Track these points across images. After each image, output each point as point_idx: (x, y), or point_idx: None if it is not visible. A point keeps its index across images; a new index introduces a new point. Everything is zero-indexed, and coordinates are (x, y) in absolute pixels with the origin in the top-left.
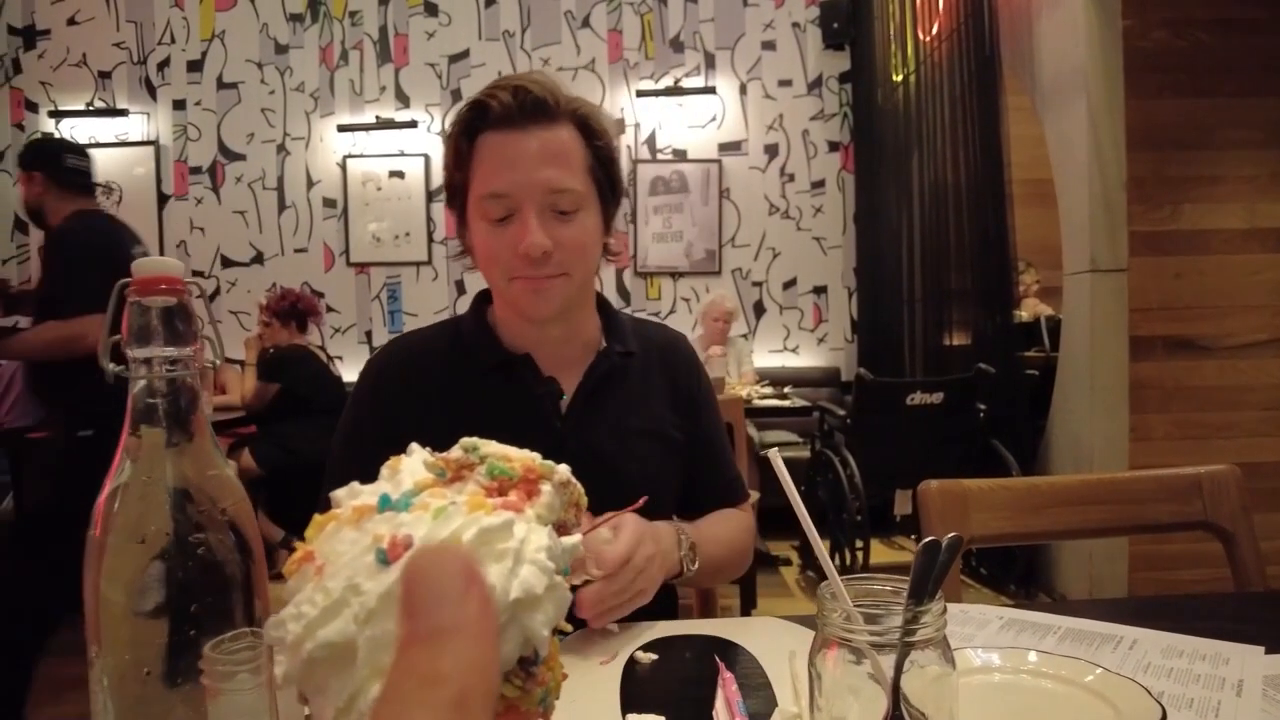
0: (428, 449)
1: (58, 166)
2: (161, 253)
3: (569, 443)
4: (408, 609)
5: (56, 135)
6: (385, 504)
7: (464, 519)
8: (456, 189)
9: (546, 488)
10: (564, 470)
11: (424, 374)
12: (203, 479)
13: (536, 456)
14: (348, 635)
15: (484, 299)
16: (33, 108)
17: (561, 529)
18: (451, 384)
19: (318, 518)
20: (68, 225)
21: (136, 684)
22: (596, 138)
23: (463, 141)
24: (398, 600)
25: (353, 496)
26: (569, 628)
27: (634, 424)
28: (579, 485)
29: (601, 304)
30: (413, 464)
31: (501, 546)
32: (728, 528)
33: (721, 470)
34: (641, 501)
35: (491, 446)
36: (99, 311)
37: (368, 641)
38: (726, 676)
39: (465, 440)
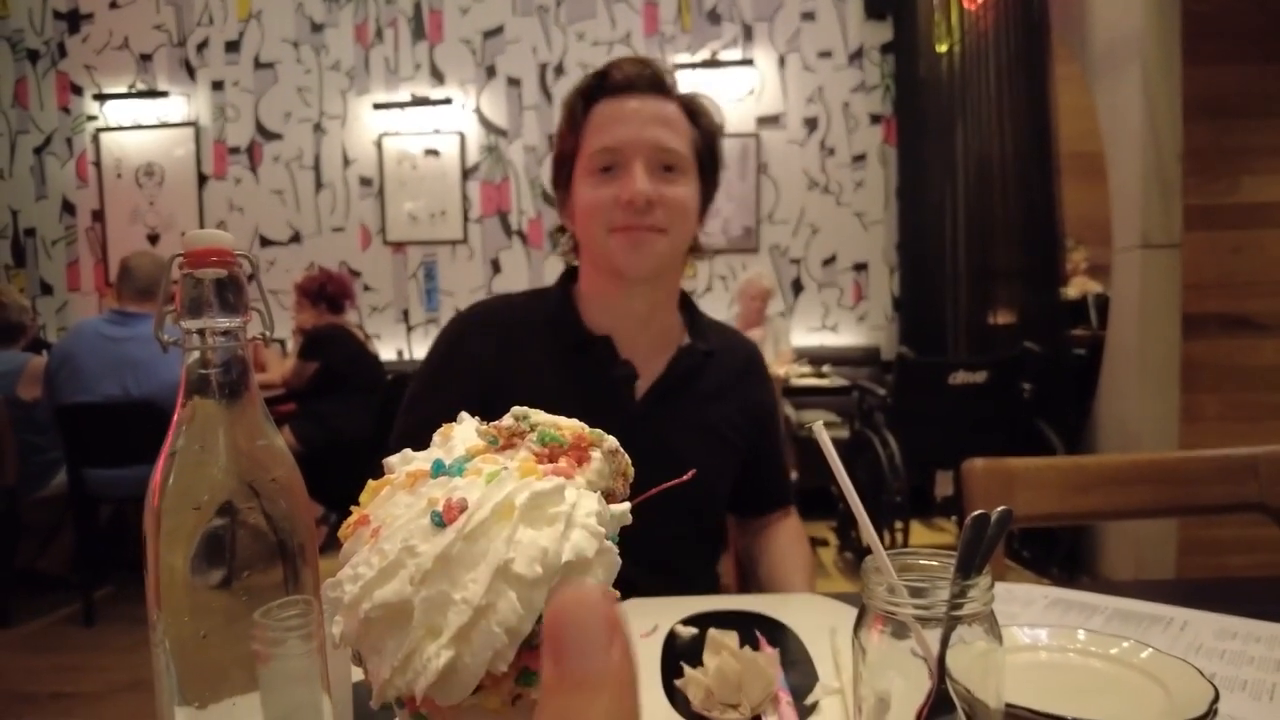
0: (477, 418)
1: None
2: None
3: (640, 429)
4: (555, 654)
5: (100, 119)
6: (439, 469)
7: (516, 483)
8: (565, 157)
9: (596, 455)
10: (612, 440)
11: (507, 336)
12: (254, 448)
13: (585, 425)
14: (404, 596)
15: (567, 280)
16: (78, 91)
17: (609, 497)
18: (533, 355)
19: (372, 483)
20: None
21: (194, 647)
22: (701, 117)
23: (579, 106)
24: (543, 638)
25: (406, 462)
26: (617, 594)
27: (704, 420)
28: (626, 455)
29: (685, 301)
30: (464, 431)
31: (553, 510)
32: (805, 562)
33: (779, 478)
34: (690, 475)
35: (541, 415)
36: None
37: (423, 602)
38: (768, 652)
39: (516, 409)
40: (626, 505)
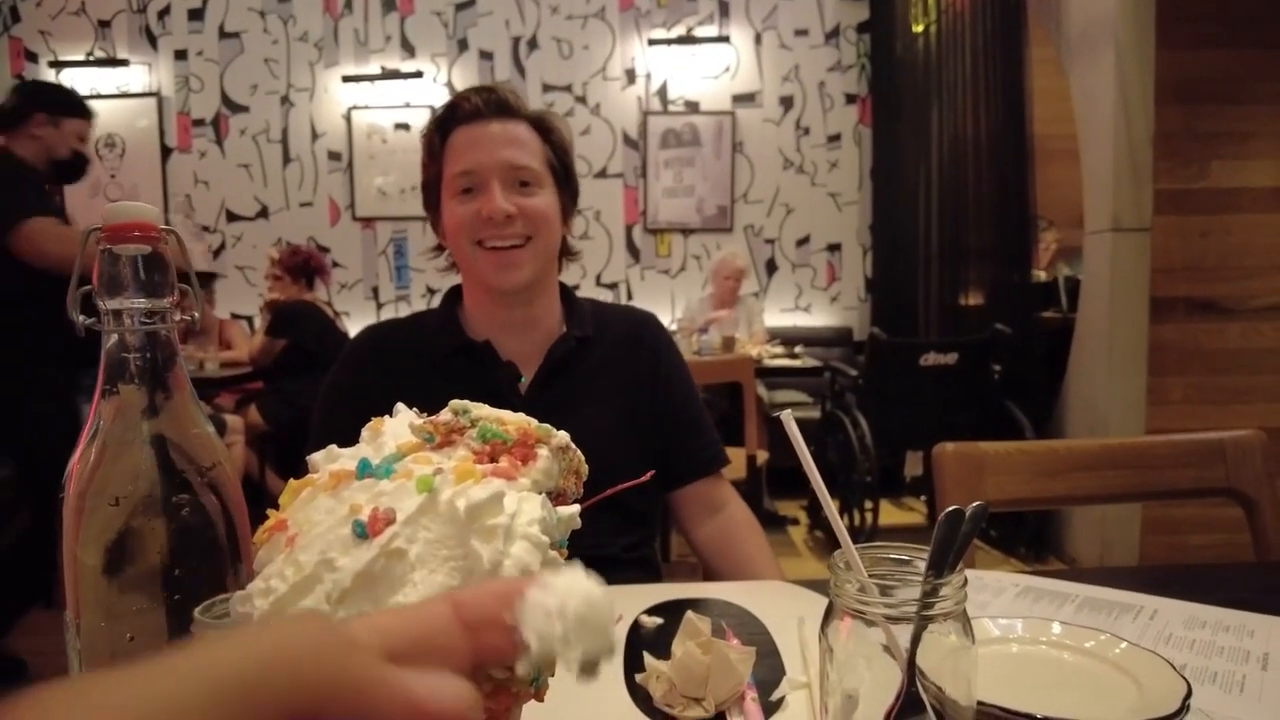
0: (414, 409)
1: None
2: (166, 208)
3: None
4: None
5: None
6: (365, 470)
7: (451, 491)
8: (432, 183)
9: (543, 452)
10: (563, 435)
11: (393, 357)
12: (182, 438)
13: (533, 420)
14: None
15: (454, 296)
16: (32, 58)
17: (560, 498)
18: (417, 367)
19: (293, 483)
20: None
21: (118, 650)
22: (550, 133)
23: (436, 138)
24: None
25: (330, 460)
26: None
27: (593, 400)
28: (579, 452)
29: (564, 293)
30: (396, 426)
31: (491, 523)
32: (765, 556)
33: (698, 439)
34: (648, 476)
35: (484, 409)
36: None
37: None
38: (738, 646)
39: (455, 402)
40: (576, 508)
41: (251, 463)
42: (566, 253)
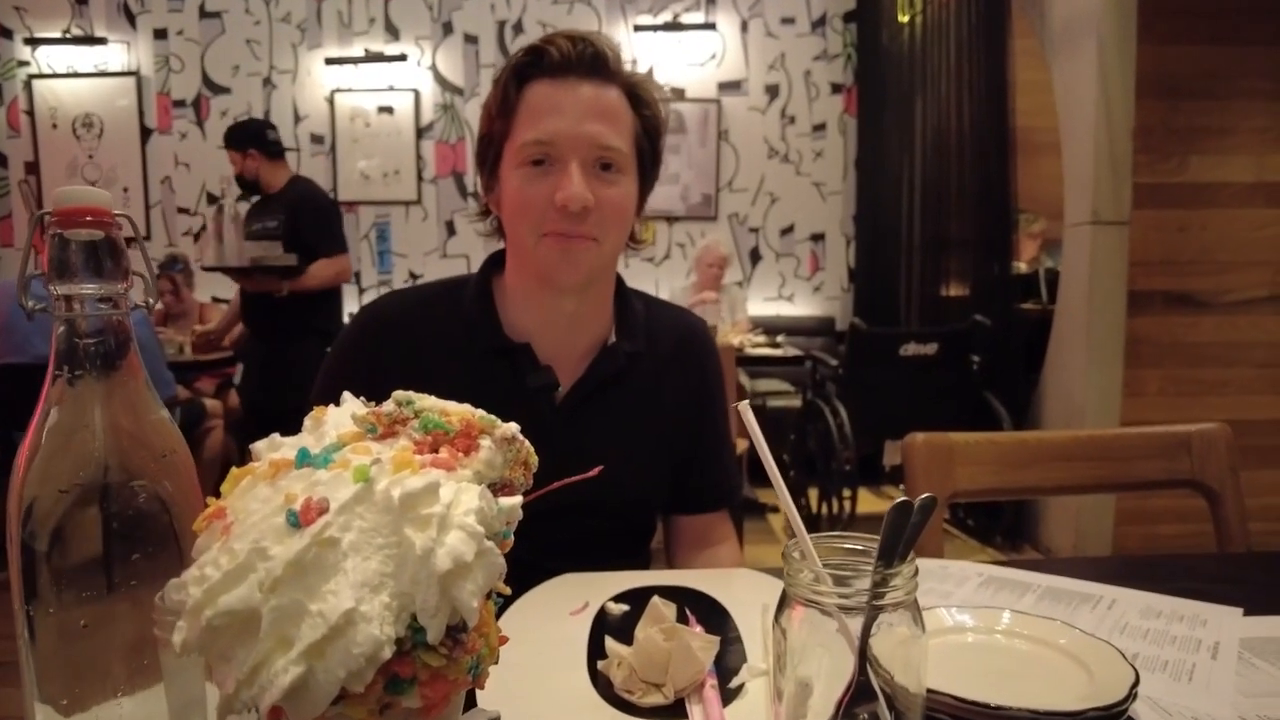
0: (361, 398)
1: (265, 142)
2: (146, 190)
3: (561, 435)
4: None
5: (32, 65)
6: (304, 459)
7: (387, 480)
8: (493, 139)
9: (486, 443)
10: (510, 427)
11: (417, 338)
12: (135, 424)
13: (478, 411)
14: (251, 603)
15: (490, 268)
16: (7, 34)
17: (506, 488)
18: (442, 357)
19: (234, 471)
20: (305, 188)
21: (70, 636)
22: (645, 107)
23: (511, 87)
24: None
25: (273, 449)
26: (507, 590)
27: (632, 426)
28: (527, 443)
29: (621, 292)
30: (339, 416)
31: (425, 512)
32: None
33: (715, 471)
34: (595, 471)
35: (428, 400)
36: (343, 253)
37: (272, 611)
38: (700, 632)
39: (398, 394)
40: (518, 499)
41: (231, 448)
42: (632, 239)
